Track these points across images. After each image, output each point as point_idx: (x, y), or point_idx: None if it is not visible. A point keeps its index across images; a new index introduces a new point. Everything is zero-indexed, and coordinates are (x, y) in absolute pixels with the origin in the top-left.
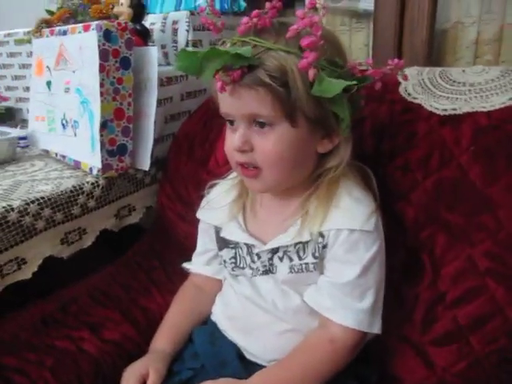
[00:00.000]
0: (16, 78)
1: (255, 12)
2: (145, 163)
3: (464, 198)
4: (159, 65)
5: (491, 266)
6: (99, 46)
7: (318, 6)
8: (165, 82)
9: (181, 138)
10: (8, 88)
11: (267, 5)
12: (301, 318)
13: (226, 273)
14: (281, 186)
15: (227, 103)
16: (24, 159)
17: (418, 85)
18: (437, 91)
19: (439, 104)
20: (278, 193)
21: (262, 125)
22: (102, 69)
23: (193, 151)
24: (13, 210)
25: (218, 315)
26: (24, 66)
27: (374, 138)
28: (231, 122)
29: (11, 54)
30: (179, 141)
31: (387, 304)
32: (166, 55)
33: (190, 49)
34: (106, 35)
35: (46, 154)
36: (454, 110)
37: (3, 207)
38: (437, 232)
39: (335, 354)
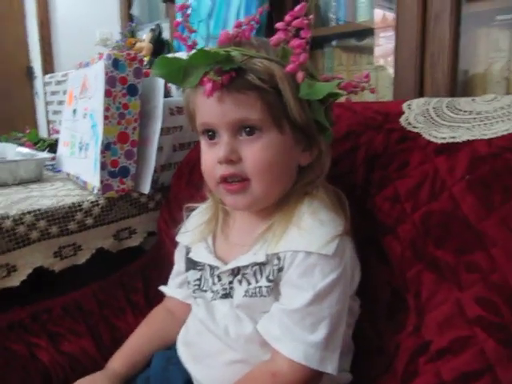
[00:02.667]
0: None
1: (235, 24)
2: (145, 187)
3: (454, 233)
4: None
5: (481, 313)
6: (106, 73)
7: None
8: (175, 111)
9: (184, 165)
10: (61, 122)
11: (245, 20)
12: (252, 348)
13: None
14: (267, 199)
15: (211, 112)
16: (48, 180)
17: (421, 114)
18: (439, 120)
19: (438, 133)
20: (253, 211)
21: (250, 132)
22: (108, 94)
23: (192, 177)
24: (8, 218)
25: (179, 340)
26: None
27: (366, 168)
28: (211, 136)
29: (66, 92)
30: (182, 167)
31: (369, 349)
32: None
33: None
34: (115, 63)
35: (68, 176)
36: (453, 137)
37: (0, 214)
38: (423, 271)
39: None
